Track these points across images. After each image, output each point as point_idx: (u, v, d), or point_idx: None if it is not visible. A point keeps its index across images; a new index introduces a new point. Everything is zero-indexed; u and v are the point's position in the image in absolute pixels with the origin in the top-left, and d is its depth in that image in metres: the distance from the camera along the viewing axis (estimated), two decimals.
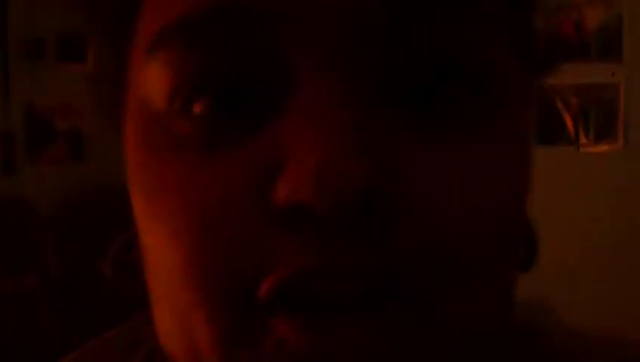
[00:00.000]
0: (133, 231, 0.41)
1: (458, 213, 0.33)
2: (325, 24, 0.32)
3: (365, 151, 0.31)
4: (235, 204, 0.33)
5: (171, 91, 0.35)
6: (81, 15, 0.42)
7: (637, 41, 2.83)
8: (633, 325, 2.58)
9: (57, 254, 2.68)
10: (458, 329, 0.33)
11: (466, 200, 0.33)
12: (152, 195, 0.36)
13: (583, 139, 2.93)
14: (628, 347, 0.47)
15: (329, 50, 0.32)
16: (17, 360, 2.39)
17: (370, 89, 0.33)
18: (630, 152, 2.87)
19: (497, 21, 0.36)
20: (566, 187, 2.92)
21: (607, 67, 2.88)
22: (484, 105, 0.34)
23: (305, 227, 0.31)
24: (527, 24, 0.40)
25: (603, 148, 2.91)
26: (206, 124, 0.34)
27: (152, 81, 0.36)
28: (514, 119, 0.36)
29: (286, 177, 0.31)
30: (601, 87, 2.89)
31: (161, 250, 0.35)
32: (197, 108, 0.34)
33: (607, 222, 2.88)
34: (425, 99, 0.33)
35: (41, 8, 3.06)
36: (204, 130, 0.34)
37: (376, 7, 0.32)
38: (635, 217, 2.84)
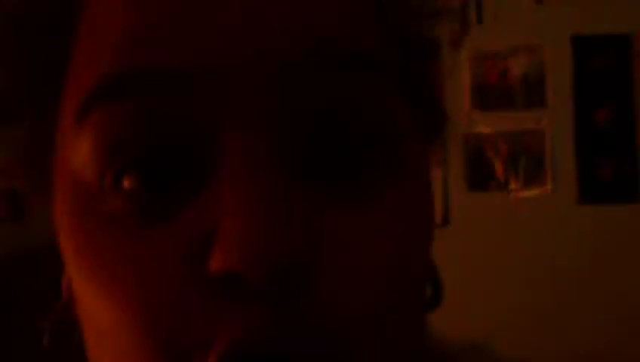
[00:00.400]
0: (67, 295, 0.43)
1: (365, 270, 0.35)
2: (233, 88, 0.35)
3: (284, 223, 0.33)
4: (170, 276, 0.35)
5: (100, 167, 0.36)
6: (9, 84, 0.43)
7: (559, 88, 2.91)
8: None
9: None
10: None
11: (372, 258, 0.36)
12: (87, 266, 0.37)
13: (513, 185, 2.98)
14: None
15: (245, 124, 0.35)
16: None
17: (288, 163, 0.35)
18: (558, 196, 2.93)
19: (390, 73, 0.39)
20: (498, 231, 2.96)
21: (532, 114, 2.95)
22: (391, 170, 0.37)
23: (235, 294, 0.33)
24: (421, 77, 0.44)
25: (532, 192, 2.96)
26: (137, 199, 0.36)
27: (80, 155, 0.37)
28: (414, 172, 0.39)
29: (216, 251, 0.33)
30: (528, 133, 2.95)
31: (102, 321, 0.37)
32: (126, 184, 0.36)
33: (538, 263, 2.93)
34: (333, 168, 0.36)
35: None
36: (135, 206, 0.36)
37: (274, 70, 0.35)
38: (565, 258, 2.89)
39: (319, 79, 0.36)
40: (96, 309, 0.37)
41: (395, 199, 0.38)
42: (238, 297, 0.34)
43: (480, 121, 2.98)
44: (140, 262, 0.35)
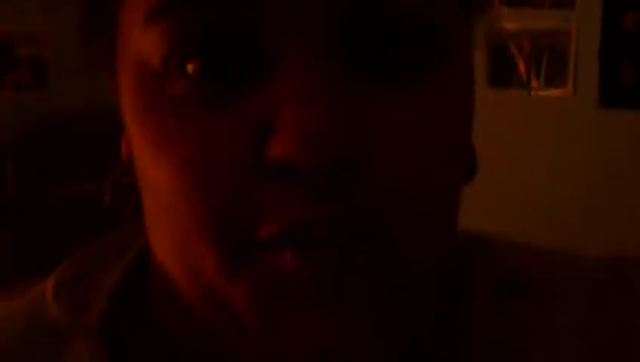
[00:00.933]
0: (127, 160, 0.46)
1: (412, 156, 0.39)
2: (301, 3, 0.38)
3: (340, 116, 0.36)
4: (230, 157, 0.38)
5: (167, 54, 0.39)
6: None
7: None
8: None
9: (16, 176, 2.71)
10: (411, 252, 0.40)
11: (420, 143, 0.39)
12: (149, 135, 0.41)
13: (534, 83, 2.97)
14: (581, 259, 0.53)
15: (306, 21, 0.38)
16: None
17: (341, 57, 0.38)
18: (579, 97, 2.91)
19: None
20: (517, 128, 2.97)
21: (560, 13, 2.91)
22: (432, 55, 0.40)
23: (291, 179, 0.37)
24: None
25: (553, 92, 2.95)
26: (200, 82, 0.39)
27: (149, 46, 0.40)
28: (459, 63, 0.42)
29: (276, 139, 0.37)
30: (553, 32, 2.92)
31: (163, 187, 0.40)
32: (191, 68, 0.39)
33: (555, 162, 2.93)
34: (385, 59, 0.39)
35: None
36: (198, 89, 0.39)
37: None
38: (582, 162, 2.89)
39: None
40: (156, 173, 0.40)
41: (443, 85, 0.41)
42: (290, 184, 0.37)
43: (506, 15, 2.95)
44: (200, 141, 0.39)
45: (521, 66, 2.97)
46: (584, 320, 0.49)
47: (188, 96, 0.39)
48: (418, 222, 0.40)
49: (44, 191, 2.63)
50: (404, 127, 0.39)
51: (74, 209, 2.45)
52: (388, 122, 0.39)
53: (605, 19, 2.85)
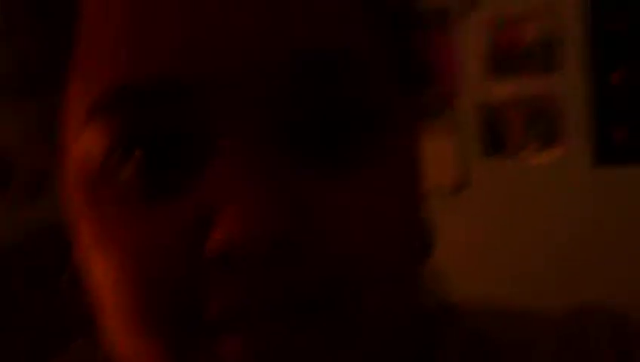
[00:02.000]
0: (77, 256, 0.47)
1: (355, 234, 0.39)
2: (236, 92, 0.38)
3: (276, 201, 0.37)
4: (171, 251, 0.39)
5: (106, 151, 0.40)
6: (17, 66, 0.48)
7: (574, 51, 2.89)
8: None
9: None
10: (368, 320, 0.40)
11: (360, 220, 0.40)
12: (98, 237, 0.41)
13: (528, 149, 2.98)
14: (547, 317, 0.54)
15: (242, 114, 0.38)
16: None
17: (278, 143, 0.39)
18: (573, 158, 2.92)
19: (383, 64, 0.43)
20: (514, 195, 2.97)
21: (547, 77, 2.94)
22: (376, 142, 0.41)
23: (232, 267, 0.37)
24: (410, 58, 0.47)
25: (548, 156, 2.96)
26: (140, 179, 0.40)
27: (90, 142, 0.41)
28: (401, 141, 0.43)
29: (215, 232, 0.37)
30: (542, 97, 2.95)
31: (107, 283, 0.41)
32: (131, 163, 0.40)
33: (554, 226, 2.92)
34: (323, 142, 0.40)
35: None
36: (138, 185, 0.40)
37: (275, 74, 0.39)
38: (581, 220, 2.89)
39: (305, 80, 0.39)
40: (100, 269, 0.41)
41: (383, 163, 0.41)
42: (232, 272, 0.38)
43: (495, 85, 2.99)
44: (144, 233, 0.39)
45: (514, 133, 2.98)
46: None
47: (129, 192, 0.40)
48: (365, 297, 0.40)
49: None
50: (344, 206, 0.39)
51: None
52: (328, 203, 0.39)
53: (593, 77, 2.87)
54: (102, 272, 0.41)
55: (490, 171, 3.02)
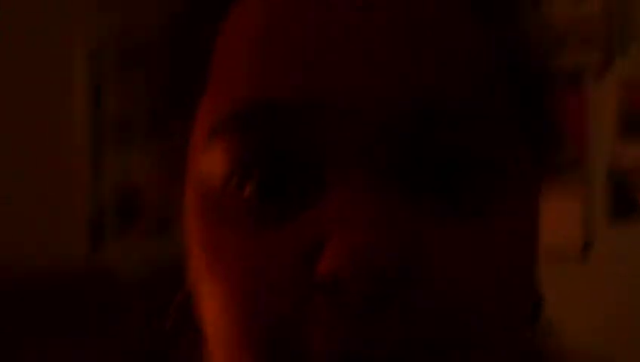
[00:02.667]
0: (190, 285, 0.48)
1: (462, 280, 0.39)
2: (358, 124, 0.39)
3: (387, 235, 0.37)
4: (281, 273, 0.39)
5: (226, 172, 0.41)
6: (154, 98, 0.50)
7: None
8: None
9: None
10: None
11: (469, 271, 0.39)
12: (209, 261, 0.42)
13: None
14: None
15: (361, 147, 0.39)
16: None
17: (395, 181, 0.39)
18: None
19: (509, 120, 0.43)
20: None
21: None
22: (494, 195, 0.41)
23: (340, 296, 0.37)
24: (538, 117, 0.47)
25: None
26: (256, 202, 0.41)
27: (210, 164, 0.42)
28: (517, 199, 0.43)
29: (325, 257, 0.38)
30: None
31: (214, 308, 0.42)
32: (248, 188, 0.41)
33: None
34: (442, 188, 0.40)
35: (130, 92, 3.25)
36: (254, 208, 0.41)
37: (401, 111, 0.39)
38: None
39: (425, 132, 0.40)
40: (211, 300, 0.42)
41: (496, 221, 0.41)
42: (340, 301, 0.37)
43: (626, 148, 2.88)
44: (253, 258, 0.40)
45: None
46: None
47: (244, 215, 0.41)
48: (479, 347, 0.39)
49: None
50: (458, 253, 0.39)
51: None
52: (441, 248, 0.39)
53: None
54: (210, 300, 0.42)
55: (618, 240, 2.90)
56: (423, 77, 0.40)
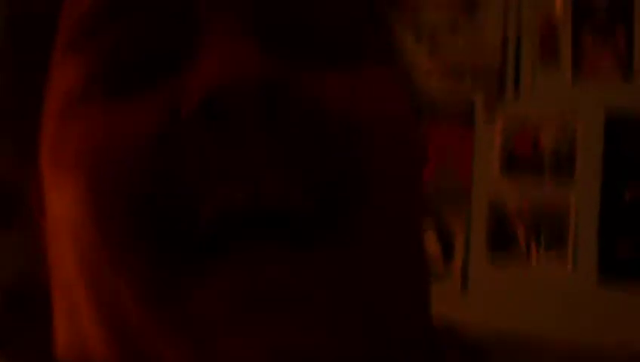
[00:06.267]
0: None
1: (359, 111, 0.35)
2: None
3: (268, 53, 0.34)
4: (143, 140, 0.33)
5: (82, 79, 0.36)
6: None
7: (589, 161, 2.84)
8: None
9: None
10: (369, 249, 0.35)
11: (363, 109, 0.35)
12: (55, 156, 0.36)
13: (534, 255, 2.92)
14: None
15: (227, 7, 0.35)
16: None
17: (264, 38, 0.35)
18: (579, 272, 2.84)
19: None
20: (517, 302, 2.90)
21: (560, 186, 2.89)
22: (362, 55, 0.38)
23: (217, 124, 0.32)
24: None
25: (553, 267, 2.88)
26: (106, 71, 0.35)
27: (67, 73, 0.37)
28: (375, 63, 0.39)
29: (195, 78, 0.32)
30: (553, 204, 2.89)
31: (67, 201, 0.34)
32: (105, 45, 0.35)
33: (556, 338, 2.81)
34: (300, 45, 0.37)
35: None
36: (102, 79, 0.35)
37: None
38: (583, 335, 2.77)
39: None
40: (57, 194, 0.35)
41: (371, 76, 0.38)
42: (217, 127, 0.32)
43: (507, 188, 2.96)
44: (110, 127, 0.34)
45: (522, 237, 2.93)
46: None
47: (93, 92, 0.35)
48: (367, 208, 0.35)
49: None
50: (340, 93, 0.36)
51: None
52: (319, 79, 0.36)
53: (605, 188, 2.79)
54: (57, 196, 0.35)
55: (494, 275, 2.97)
56: None
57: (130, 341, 0.33)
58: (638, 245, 2.68)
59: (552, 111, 2.91)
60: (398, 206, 0.36)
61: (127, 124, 0.34)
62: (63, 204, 0.34)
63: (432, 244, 2.97)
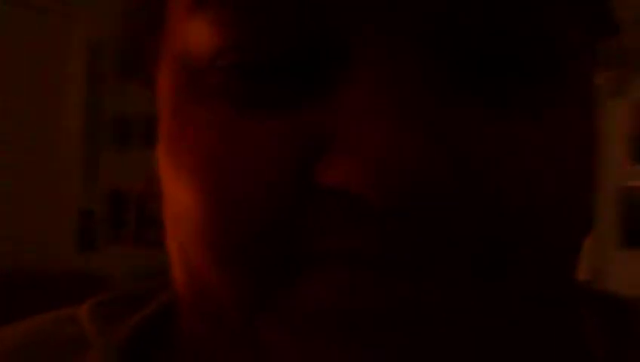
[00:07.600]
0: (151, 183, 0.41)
1: (523, 185, 0.30)
2: None
3: (432, 140, 0.28)
4: (268, 169, 0.30)
5: (215, 50, 0.32)
6: None
7: None
8: None
9: None
10: (520, 287, 0.31)
11: (532, 173, 0.31)
12: (175, 149, 0.33)
13: None
14: None
15: (391, 22, 0.29)
16: None
17: (438, 67, 0.30)
18: None
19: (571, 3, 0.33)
20: None
21: None
22: (553, 86, 0.32)
23: (349, 211, 0.29)
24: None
25: None
26: (250, 79, 0.31)
27: (194, 35, 0.33)
28: (579, 92, 0.33)
29: (336, 160, 0.29)
30: None
31: (181, 202, 0.33)
32: (241, 59, 0.31)
33: None
34: (495, 80, 0.31)
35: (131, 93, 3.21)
36: (246, 85, 0.31)
37: None
38: None
39: (501, 9, 0.30)
40: (177, 189, 0.33)
41: (556, 116, 0.32)
42: (353, 213, 0.29)
43: (636, 173, 2.87)
44: (236, 147, 0.31)
45: None
46: None
47: (230, 95, 0.31)
48: (526, 263, 0.31)
49: None
50: (510, 152, 0.30)
51: None
52: (488, 148, 0.30)
53: None
54: (174, 201, 0.34)
55: (627, 263, 2.88)
56: None
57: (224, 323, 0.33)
58: None
59: None
60: (556, 266, 0.33)
61: (266, 143, 0.30)
62: (179, 190, 0.33)
63: None
